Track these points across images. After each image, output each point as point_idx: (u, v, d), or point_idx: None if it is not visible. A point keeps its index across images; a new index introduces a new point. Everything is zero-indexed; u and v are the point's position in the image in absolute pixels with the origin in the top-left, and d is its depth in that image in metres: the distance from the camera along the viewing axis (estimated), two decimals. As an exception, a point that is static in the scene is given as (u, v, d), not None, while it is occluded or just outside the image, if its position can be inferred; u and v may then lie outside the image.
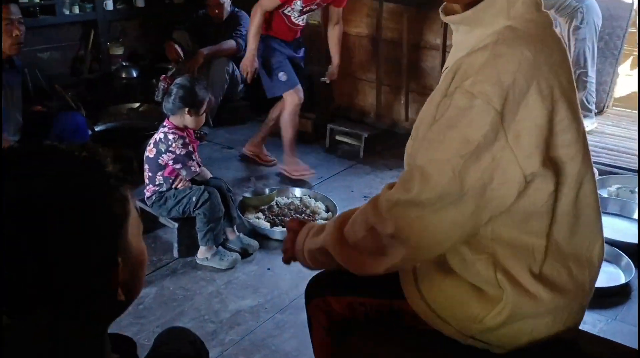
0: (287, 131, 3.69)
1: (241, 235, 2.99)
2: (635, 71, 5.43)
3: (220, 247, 2.84)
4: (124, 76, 4.96)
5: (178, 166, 2.73)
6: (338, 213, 3.25)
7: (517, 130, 1.16)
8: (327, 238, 1.36)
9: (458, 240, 1.24)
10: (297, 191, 3.52)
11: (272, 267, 2.88)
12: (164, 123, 2.79)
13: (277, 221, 3.18)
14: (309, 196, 3.47)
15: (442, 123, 1.21)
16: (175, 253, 2.89)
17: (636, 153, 3.88)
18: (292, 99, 3.62)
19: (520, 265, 1.27)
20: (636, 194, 3.34)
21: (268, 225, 3.15)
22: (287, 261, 1.57)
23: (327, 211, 3.34)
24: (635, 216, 3.25)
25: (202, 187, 2.78)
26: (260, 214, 3.24)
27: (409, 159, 1.36)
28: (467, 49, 1.27)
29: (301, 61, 3.82)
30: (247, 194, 3.36)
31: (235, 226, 2.95)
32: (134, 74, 5.01)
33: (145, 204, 2.93)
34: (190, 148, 2.75)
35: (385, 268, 1.27)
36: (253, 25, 3.45)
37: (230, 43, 4.54)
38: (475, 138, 1.16)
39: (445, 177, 1.17)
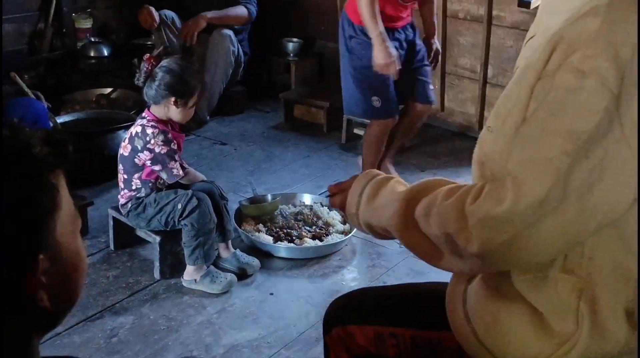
0: (368, 155, 3.55)
1: (237, 251, 2.95)
2: None
3: (211, 267, 2.81)
4: (92, 54, 4.95)
5: (157, 167, 2.70)
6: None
7: (634, 118, 1.11)
8: (393, 219, 1.32)
9: (554, 254, 1.21)
10: (307, 198, 3.50)
11: (276, 292, 2.85)
12: (143, 114, 2.76)
13: (282, 235, 3.14)
14: (320, 203, 3.45)
15: (541, 113, 1.17)
16: (157, 274, 2.87)
17: None
18: (379, 128, 3.47)
19: (616, 297, 1.23)
20: None
21: (270, 239, 3.12)
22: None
23: (344, 222, 3.31)
24: None
25: (190, 192, 2.75)
26: (261, 227, 3.21)
27: (485, 157, 1.31)
28: (566, 12, 1.21)
29: (419, 53, 3.45)
30: (244, 202, 3.33)
31: (229, 241, 2.92)
32: (105, 53, 5.00)
33: (120, 213, 2.90)
34: (174, 145, 2.71)
35: (455, 270, 1.30)
36: (364, 4, 3.06)
37: (239, 10, 4.45)
38: (585, 129, 1.12)
39: (547, 182, 1.13)
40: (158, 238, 2.84)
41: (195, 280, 2.77)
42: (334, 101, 4.62)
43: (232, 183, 3.78)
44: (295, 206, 3.43)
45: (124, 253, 3.04)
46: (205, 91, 2.84)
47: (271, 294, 2.84)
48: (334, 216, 3.31)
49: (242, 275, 2.89)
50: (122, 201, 2.84)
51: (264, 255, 3.08)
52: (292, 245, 3.09)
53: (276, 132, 4.56)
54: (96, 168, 3.52)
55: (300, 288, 2.88)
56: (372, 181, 1.43)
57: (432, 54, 3.59)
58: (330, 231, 3.21)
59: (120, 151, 2.79)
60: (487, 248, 1.18)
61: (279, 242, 3.11)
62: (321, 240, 3.13)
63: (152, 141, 2.66)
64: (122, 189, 2.81)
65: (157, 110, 2.72)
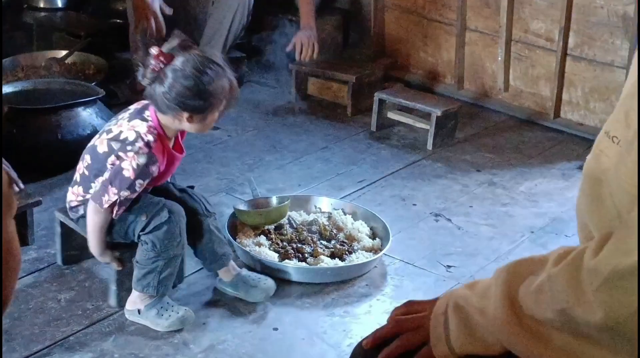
0: None
1: (244, 271, 2.99)
2: None
3: (165, 297, 2.84)
4: (42, 4, 4.99)
5: (103, 177, 2.71)
6: (391, 239, 3.24)
7: None
8: (495, 323, 1.38)
9: None
10: (324, 202, 3.52)
11: (282, 326, 2.87)
12: (147, 112, 2.73)
13: (291, 252, 3.17)
14: (342, 210, 3.47)
15: None
16: (112, 300, 2.89)
17: None
18: None
19: None
20: None
21: (275, 256, 3.14)
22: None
23: (373, 237, 3.33)
24: None
25: (162, 201, 2.76)
26: (262, 239, 3.24)
27: (604, 175, 1.32)
28: None
29: None
30: (241, 206, 3.36)
31: (230, 263, 2.97)
32: (59, 2, 5.04)
33: (67, 216, 2.93)
34: (154, 169, 2.72)
35: None
36: None
37: None
38: None
39: None
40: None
41: (138, 311, 2.80)
42: (362, 73, 4.64)
43: (225, 181, 3.80)
44: (308, 214, 3.45)
45: (80, 270, 3.07)
46: (235, 89, 2.80)
47: (275, 329, 2.86)
48: (360, 228, 3.34)
49: (253, 301, 2.95)
50: (72, 202, 2.84)
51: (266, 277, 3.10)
52: (303, 264, 3.12)
53: (284, 114, 4.59)
54: (46, 156, 3.56)
55: (313, 322, 2.90)
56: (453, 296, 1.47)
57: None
58: (355, 247, 3.23)
59: (94, 141, 2.80)
60: (615, 315, 1.20)
61: (286, 261, 3.13)
62: (342, 259, 3.16)
63: (130, 155, 2.66)
64: (77, 184, 2.82)
65: (165, 118, 2.72)
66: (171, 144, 2.78)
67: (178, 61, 2.62)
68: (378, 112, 4.40)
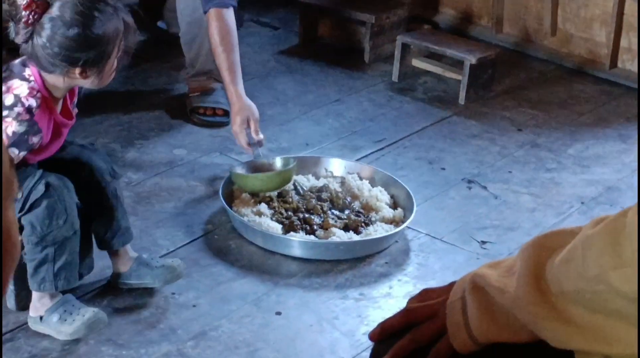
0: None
1: (142, 255, 2.92)
2: None
3: (67, 295, 2.75)
4: None
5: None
6: (415, 209, 3.25)
7: None
8: (517, 303, 1.38)
9: None
10: (336, 165, 3.53)
11: (286, 311, 2.89)
12: (27, 71, 2.64)
13: (297, 223, 3.19)
14: (358, 175, 3.48)
15: None
16: (10, 302, 2.84)
17: None
18: None
19: None
20: None
21: (279, 228, 3.16)
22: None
23: (394, 207, 3.34)
24: None
25: (39, 172, 2.66)
26: (263, 208, 3.24)
27: None
28: None
29: None
30: (238, 169, 3.36)
31: (129, 245, 2.92)
32: None
33: None
34: (35, 140, 2.66)
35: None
36: None
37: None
38: None
39: None
40: None
41: (40, 317, 2.73)
42: (382, 13, 4.62)
43: (219, 139, 3.82)
44: (318, 178, 3.46)
45: None
46: (132, 30, 2.73)
47: (278, 314, 2.88)
48: (379, 196, 3.35)
49: (168, 281, 2.89)
50: None
51: (268, 253, 3.11)
52: (312, 237, 3.13)
53: (289, 60, 4.59)
54: None
55: (322, 306, 2.92)
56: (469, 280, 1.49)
57: None
58: (373, 218, 3.24)
59: None
60: None
61: (291, 233, 3.14)
62: (358, 232, 3.17)
63: (8, 121, 2.55)
64: None
65: (52, 77, 2.62)
66: (58, 108, 2.70)
67: (55, 7, 2.53)
68: (401, 60, 4.39)
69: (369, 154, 3.78)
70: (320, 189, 3.36)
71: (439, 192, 3.53)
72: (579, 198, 3.54)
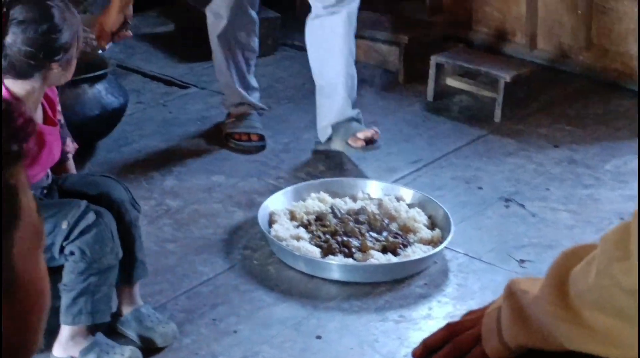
0: None
1: (144, 307, 2.86)
2: None
3: (99, 336, 2.73)
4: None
5: None
6: (452, 230, 3.26)
7: None
8: (540, 305, 1.39)
9: None
10: (373, 187, 3.54)
11: (326, 334, 2.90)
12: None
13: (335, 246, 3.20)
14: (395, 196, 3.49)
15: None
16: None
17: None
18: None
19: None
20: None
21: (317, 251, 3.18)
22: None
23: (432, 227, 3.35)
24: None
25: (83, 203, 2.66)
26: (302, 231, 3.27)
27: None
28: None
29: None
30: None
31: (137, 286, 2.87)
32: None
33: None
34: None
35: None
36: None
37: None
38: None
39: None
40: None
41: None
42: (416, 33, 4.63)
43: (256, 163, 3.84)
44: (355, 201, 3.47)
45: None
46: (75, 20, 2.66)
47: (318, 338, 2.89)
48: (417, 217, 3.36)
49: (147, 347, 2.82)
50: None
51: (307, 277, 3.13)
52: (350, 260, 3.14)
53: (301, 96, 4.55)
54: None
55: (362, 328, 2.92)
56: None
57: None
58: (411, 240, 3.25)
59: None
60: None
61: (330, 256, 3.16)
62: (396, 254, 3.18)
63: None
64: None
65: (19, 85, 2.62)
66: (38, 117, 2.70)
67: (16, 12, 2.56)
68: (435, 79, 4.40)
69: (406, 175, 3.79)
70: (357, 212, 3.37)
71: (477, 211, 3.53)
72: (618, 214, 3.52)
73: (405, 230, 3.31)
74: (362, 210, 3.38)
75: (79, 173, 2.98)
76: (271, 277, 3.15)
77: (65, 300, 2.66)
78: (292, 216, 3.37)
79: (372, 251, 3.16)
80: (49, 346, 2.74)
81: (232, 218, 3.45)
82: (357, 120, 3.81)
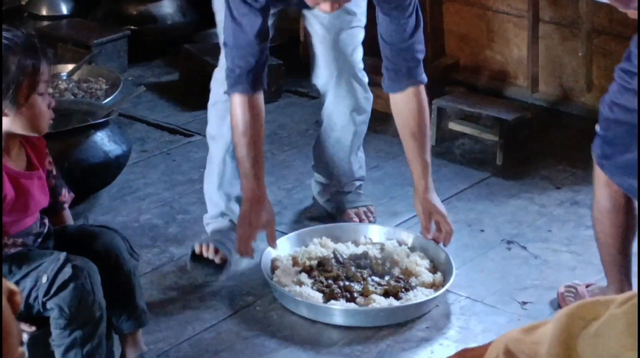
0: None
1: (148, 356, 2.87)
2: None
3: None
4: (44, 12, 5.10)
5: None
6: (454, 273, 3.27)
7: None
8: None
9: None
10: (375, 232, 3.56)
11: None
12: None
13: (337, 291, 3.21)
14: (397, 241, 3.51)
15: None
16: None
17: None
18: None
19: None
20: None
21: (320, 296, 3.19)
22: None
23: (434, 271, 3.36)
24: None
25: (62, 255, 2.63)
26: (304, 277, 3.27)
27: None
28: None
29: None
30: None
31: (140, 332, 2.87)
32: (64, 9, 5.15)
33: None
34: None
35: None
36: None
37: None
38: None
39: None
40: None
41: None
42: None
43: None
44: (357, 246, 3.49)
45: None
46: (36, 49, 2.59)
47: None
48: (418, 261, 3.37)
49: None
50: None
51: (309, 322, 3.14)
52: (352, 305, 3.16)
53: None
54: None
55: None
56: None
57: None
58: (413, 283, 3.26)
59: None
60: None
61: (332, 301, 3.17)
62: (398, 298, 3.19)
63: None
64: None
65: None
66: (19, 162, 2.68)
67: None
68: (437, 123, 4.42)
69: (408, 219, 3.80)
70: (359, 257, 3.38)
71: (479, 254, 3.55)
72: (620, 255, 3.52)
73: (407, 273, 3.32)
74: (364, 255, 3.40)
75: (76, 224, 2.96)
76: (274, 323, 3.16)
77: (56, 355, 2.65)
78: (295, 262, 3.38)
79: (374, 296, 3.16)
80: None
81: (235, 265, 3.45)
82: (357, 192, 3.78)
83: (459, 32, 5.04)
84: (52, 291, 2.58)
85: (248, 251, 3.21)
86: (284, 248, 3.42)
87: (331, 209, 3.73)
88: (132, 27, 5.06)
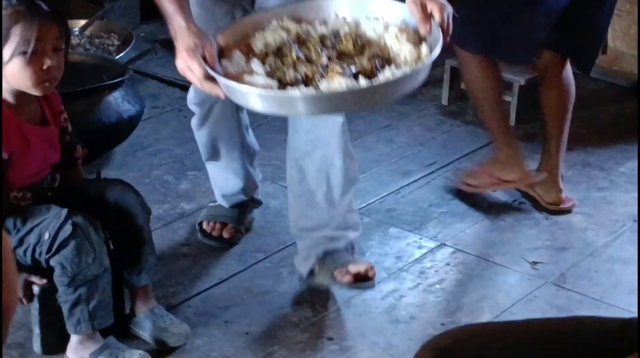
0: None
1: (157, 308, 2.87)
2: None
3: (110, 339, 2.74)
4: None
5: None
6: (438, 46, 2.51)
7: None
8: None
9: None
10: (344, 7, 2.59)
11: (337, 334, 2.93)
12: None
13: (293, 76, 2.37)
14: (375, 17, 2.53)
15: None
16: (37, 347, 2.80)
17: None
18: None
19: None
20: None
21: (274, 83, 2.35)
22: None
23: (418, 41, 2.48)
24: None
25: (64, 212, 2.64)
26: (256, 64, 2.40)
27: None
28: None
29: None
30: None
31: (150, 287, 2.88)
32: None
33: None
34: None
35: None
36: None
37: None
38: None
39: None
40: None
41: None
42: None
43: (270, 167, 3.86)
44: (327, 26, 2.58)
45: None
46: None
47: (330, 339, 2.92)
48: (398, 34, 2.49)
49: (159, 348, 2.83)
50: None
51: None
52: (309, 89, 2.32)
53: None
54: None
55: (376, 330, 2.95)
56: None
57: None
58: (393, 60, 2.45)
59: None
60: None
61: (288, 88, 2.33)
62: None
63: None
64: None
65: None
66: (33, 117, 2.70)
67: None
68: (450, 83, 4.41)
69: (420, 178, 3.80)
70: (326, 37, 2.52)
71: (490, 214, 3.55)
72: (632, 216, 3.52)
73: (385, 51, 2.46)
74: (333, 33, 2.53)
75: (88, 178, 2.97)
76: (284, 279, 3.17)
77: (64, 311, 2.69)
78: (248, 50, 2.52)
79: (341, 79, 2.30)
80: (63, 349, 2.77)
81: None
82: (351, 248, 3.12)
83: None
84: (53, 249, 2.61)
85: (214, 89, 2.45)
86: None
87: None
88: (146, -18, 5.04)
